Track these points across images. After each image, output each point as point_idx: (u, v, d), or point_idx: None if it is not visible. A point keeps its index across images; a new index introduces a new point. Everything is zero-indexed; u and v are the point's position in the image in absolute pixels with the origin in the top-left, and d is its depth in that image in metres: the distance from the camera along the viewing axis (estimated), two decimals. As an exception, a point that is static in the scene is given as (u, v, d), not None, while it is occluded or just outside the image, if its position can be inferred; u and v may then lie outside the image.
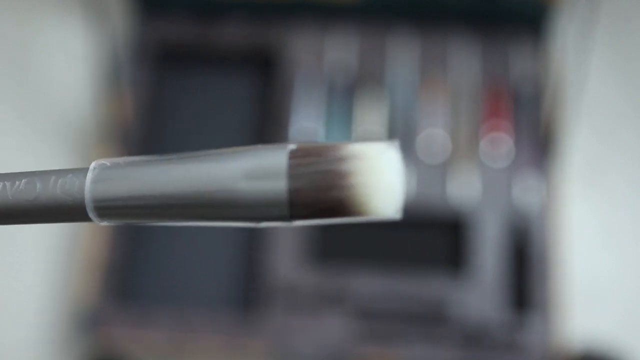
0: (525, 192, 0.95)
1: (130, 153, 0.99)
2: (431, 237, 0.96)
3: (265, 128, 1.02)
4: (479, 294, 0.91)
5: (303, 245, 0.94)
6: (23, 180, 0.23)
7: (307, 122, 0.99)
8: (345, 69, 1.01)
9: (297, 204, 0.21)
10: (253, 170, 0.21)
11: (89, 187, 0.23)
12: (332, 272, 0.93)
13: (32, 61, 1.10)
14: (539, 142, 0.97)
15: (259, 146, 0.22)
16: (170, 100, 1.05)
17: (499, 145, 0.97)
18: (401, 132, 0.98)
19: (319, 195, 0.21)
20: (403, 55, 1.02)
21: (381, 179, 0.21)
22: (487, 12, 1.01)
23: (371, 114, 0.99)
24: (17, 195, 0.23)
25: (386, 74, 1.01)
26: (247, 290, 0.96)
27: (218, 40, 1.04)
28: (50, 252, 1.01)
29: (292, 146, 0.22)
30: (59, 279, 1.00)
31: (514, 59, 1.01)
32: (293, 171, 0.21)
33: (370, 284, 0.92)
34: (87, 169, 0.23)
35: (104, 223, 0.24)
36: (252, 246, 0.97)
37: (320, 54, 1.02)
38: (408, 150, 0.97)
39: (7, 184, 0.24)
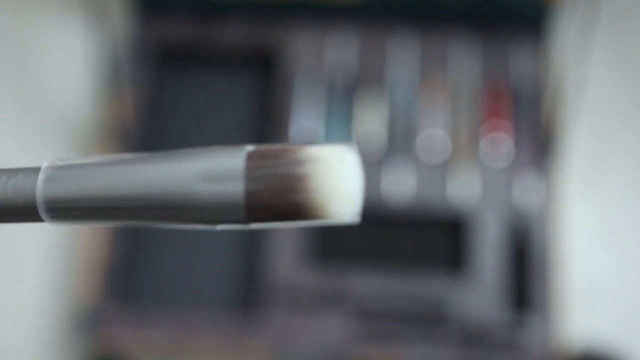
0: (525, 192, 0.95)
1: (131, 152, 0.99)
2: (431, 237, 0.96)
3: (265, 128, 1.02)
4: (479, 294, 0.91)
5: (303, 245, 0.94)
6: None
7: (307, 122, 0.99)
8: (345, 69, 1.01)
9: (254, 207, 0.21)
10: (210, 171, 0.21)
11: (40, 187, 0.22)
12: (332, 272, 0.93)
13: (32, 61, 1.10)
14: (539, 142, 0.97)
15: (216, 147, 0.22)
16: (170, 100, 1.05)
17: (499, 145, 0.97)
18: (401, 132, 0.98)
19: (277, 198, 0.20)
20: (403, 55, 1.02)
21: (339, 183, 0.21)
22: (487, 12, 1.01)
23: (371, 114, 0.99)
24: None
25: (386, 74, 1.01)
26: (247, 290, 0.96)
27: (218, 40, 1.04)
28: (50, 252, 1.01)
29: (250, 148, 0.21)
30: (59, 279, 1.00)
31: (514, 59, 1.01)
32: (250, 173, 0.21)
33: (370, 284, 0.92)
34: (39, 168, 0.23)
35: (56, 224, 0.23)
36: (252, 246, 0.98)
37: (320, 54, 1.02)
38: (408, 150, 0.97)
39: None
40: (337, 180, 0.20)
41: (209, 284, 0.97)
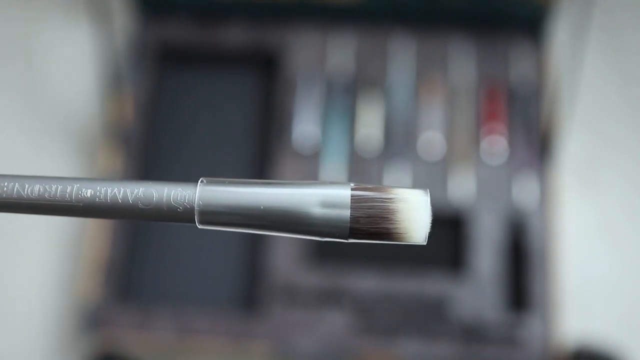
0: (523, 190, 0.95)
1: (132, 152, 1.00)
2: (430, 235, 0.97)
3: (267, 128, 1.03)
4: (478, 291, 0.92)
5: (304, 245, 0.95)
6: (141, 189, 0.30)
7: (307, 123, 0.99)
8: (345, 70, 1.02)
9: (355, 229, 0.29)
10: (325, 199, 0.29)
11: (197, 199, 0.29)
12: (332, 271, 0.93)
13: (38, 62, 1.11)
14: (536, 141, 0.98)
15: (329, 180, 0.29)
16: (172, 100, 1.06)
17: (497, 144, 0.97)
18: (400, 133, 0.99)
19: (372, 224, 0.29)
20: (402, 57, 1.03)
21: (416, 217, 0.29)
22: (484, 14, 1.02)
23: (371, 115, 1.00)
24: (135, 200, 0.30)
25: (385, 75, 1.02)
26: (249, 290, 0.97)
27: (219, 41, 1.05)
28: (55, 253, 1.02)
29: (352, 184, 0.29)
30: (63, 279, 1.01)
31: (511, 60, 1.02)
32: (354, 204, 0.29)
33: (369, 282, 0.93)
34: (195, 184, 0.30)
35: (206, 227, 0.30)
36: (253, 246, 0.98)
37: (321, 55, 1.03)
38: (407, 150, 0.98)
39: (128, 190, 0.30)
40: (415, 215, 0.29)
41: (211, 284, 0.98)
